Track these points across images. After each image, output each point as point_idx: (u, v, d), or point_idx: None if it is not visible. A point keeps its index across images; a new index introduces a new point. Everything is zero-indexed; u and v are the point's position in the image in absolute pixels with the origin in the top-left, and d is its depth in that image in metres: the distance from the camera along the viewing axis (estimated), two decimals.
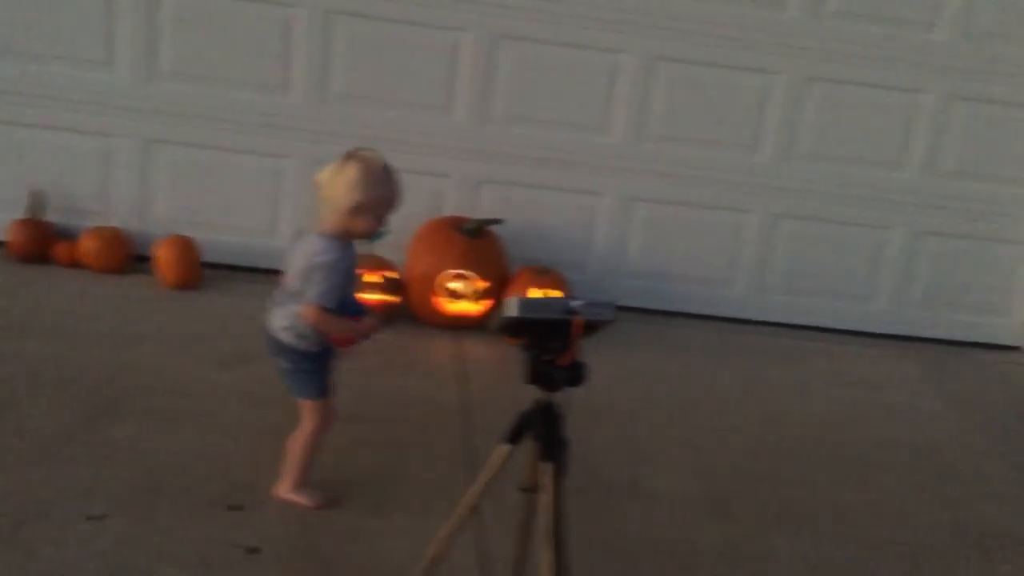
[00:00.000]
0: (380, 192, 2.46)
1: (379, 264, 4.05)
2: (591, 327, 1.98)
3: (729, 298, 4.82)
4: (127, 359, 3.46)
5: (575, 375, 1.98)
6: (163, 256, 4.12)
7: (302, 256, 2.50)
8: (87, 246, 4.17)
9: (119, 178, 4.35)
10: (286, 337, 2.58)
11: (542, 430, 2.04)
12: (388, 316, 4.03)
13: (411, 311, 4.18)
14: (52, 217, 4.29)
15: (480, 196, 4.52)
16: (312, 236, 2.50)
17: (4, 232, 4.21)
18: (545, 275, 4.12)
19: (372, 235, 2.52)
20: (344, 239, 2.50)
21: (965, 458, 3.66)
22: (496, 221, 4.28)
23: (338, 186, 2.42)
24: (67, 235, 4.27)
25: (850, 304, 4.89)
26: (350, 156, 2.45)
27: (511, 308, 1.93)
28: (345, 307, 2.53)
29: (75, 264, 4.20)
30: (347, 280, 2.54)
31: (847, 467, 3.46)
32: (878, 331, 4.90)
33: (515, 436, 2.08)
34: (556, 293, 4.05)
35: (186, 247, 4.16)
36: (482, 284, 4.04)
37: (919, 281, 4.88)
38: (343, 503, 2.76)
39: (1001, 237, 4.85)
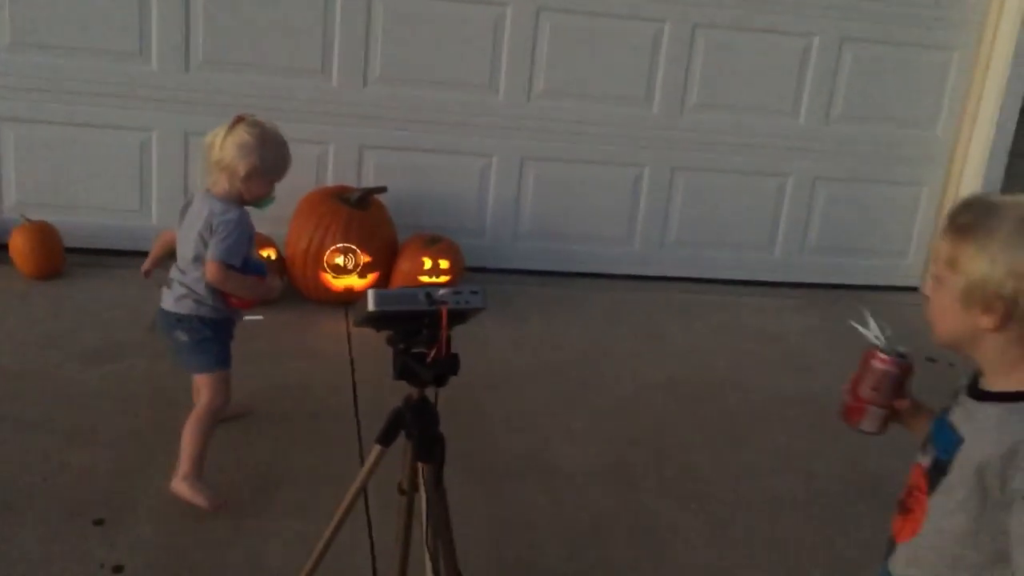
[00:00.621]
0: (275, 156, 2.52)
1: (258, 242, 3.80)
2: (459, 315, 1.81)
3: (627, 255, 4.71)
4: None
5: (446, 367, 1.81)
6: (18, 245, 3.80)
7: (198, 218, 2.49)
8: None
9: None
10: (183, 307, 2.53)
11: (415, 429, 1.87)
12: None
13: (296, 287, 3.95)
14: None
15: (364, 163, 4.30)
16: (207, 197, 2.51)
17: None
18: (435, 243, 3.94)
19: (262, 201, 2.57)
20: (239, 202, 2.52)
21: None
22: (380, 189, 4.07)
23: (231, 149, 2.45)
24: None
25: (749, 254, 4.83)
26: (241, 119, 2.49)
27: (368, 302, 1.75)
28: (246, 267, 2.53)
29: None
30: (248, 240, 2.54)
31: (747, 425, 3.40)
32: (778, 280, 4.87)
33: (387, 436, 1.92)
34: (445, 261, 3.88)
35: (43, 234, 3.84)
36: (366, 257, 3.84)
37: (816, 227, 4.85)
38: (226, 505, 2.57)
39: (896, 179, 4.84)
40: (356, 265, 3.83)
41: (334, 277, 3.83)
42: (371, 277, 3.89)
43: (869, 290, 4.89)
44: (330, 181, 4.24)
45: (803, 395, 3.68)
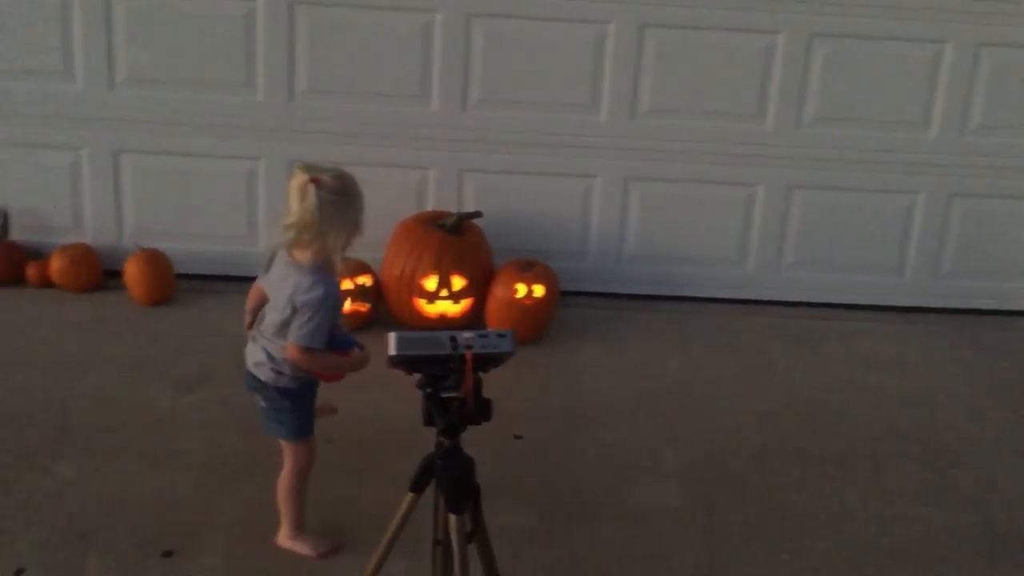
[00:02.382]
0: (360, 210, 2.28)
1: (353, 269, 3.82)
2: (488, 360, 1.72)
3: (739, 279, 4.48)
4: (78, 389, 3.30)
5: (475, 414, 1.72)
6: (132, 272, 3.96)
7: (282, 290, 2.29)
8: (56, 265, 4.02)
9: (86, 192, 4.18)
10: (261, 374, 2.38)
11: (445, 478, 1.79)
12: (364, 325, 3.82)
13: (391, 315, 3.95)
14: (23, 236, 4.16)
15: (464, 187, 4.26)
16: (291, 267, 2.28)
17: None
18: (530, 268, 3.85)
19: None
20: (329, 269, 2.29)
21: (995, 454, 3.31)
22: (475, 214, 4.02)
23: (318, 214, 2.18)
24: (38, 254, 4.13)
25: (873, 277, 4.50)
26: (316, 180, 2.19)
27: (389, 345, 1.68)
28: (332, 340, 2.32)
29: (47, 284, 4.06)
30: (335, 313, 2.33)
31: (854, 464, 3.14)
32: (907, 304, 4.52)
33: (419, 483, 1.84)
34: (540, 287, 3.78)
35: (155, 261, 3.98)
36: (460, 283, 3.79)
37: (950, 248, 4.47)
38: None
39: None
40: (450, 291, 3.78)
41: (427, 303, 3.80)
42: (465, 303, 3.83)
43: (1007, 315, 4.48)
44: (430, 206, 4.22)
45: (921, 432, 3.38)
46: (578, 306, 4.30)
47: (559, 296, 3.95)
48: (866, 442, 3.30)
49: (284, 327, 2.29)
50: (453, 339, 1.69)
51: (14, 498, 2.67)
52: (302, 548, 2.54)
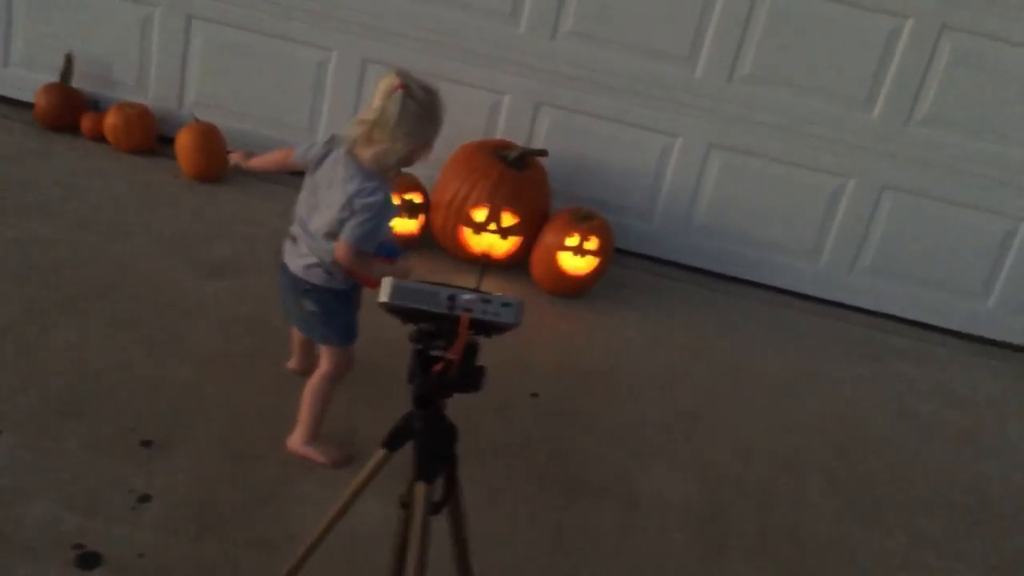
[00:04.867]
0: (438, 126, 2.24)
1: (403, 183, 3.65)
2: (485, 327, 1.53)
3: (810, 274, 4.20)
4: (107, 251, 3.21)
5: (460, 381, 1.54)
6: (183, 142, 3.84)
7: (340, 189, 2.21)
8: (111, 121, 3.92)
9: (154, 51, 4.05)
10: (313, 276, 2.31)
11: (420, 444, 1.62)
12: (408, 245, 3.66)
13: (435, 239, 3.77)
14: (85, 85, 4.06)
15: (539, 121, 4.02)
16: (352, 165, 2.21)
17: (34, 95, 4.00)
18: (586, 220, 3.62)
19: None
20: (387, 175, 2.25)
21: None
22: (541, 152, 3.79)
23: (401, 118, 2.13)
24: (97, 107, 4.03)
25: (956, 299, 4.18)
26: (406, 84, 2.13)
27: (382, 291, 1.50)
28: (380, 249, 2.28)
29: (100, 138, 3.97)
30: (388, 222, 2.28)
31: (887, 500, 2.90)
32: (986, 335, 4.19)
33: (393, 441, 1.68)
34: (593, 241, 3.56)
35: (207, 136, 3.85)
36: (511, 220, 3.59)
37: None
38: (265, 459, 2.44)
39: None
40: (499, 226, 3.59)
41: (473, 234, 3.61)
42: (513, 241, 3.64)
43: None
44: (499, 134, 4.00)
45: (973, 479, 3.11)
46: (633, 267, 4.07)
47: (612, 253, 3.73)
48: (909, 480, 3.05)
49: (338, 226, 2.22)
50: (452, 297, 1.50)
51: (15, 354, 2.59)
52: (315, 455, 2.45)
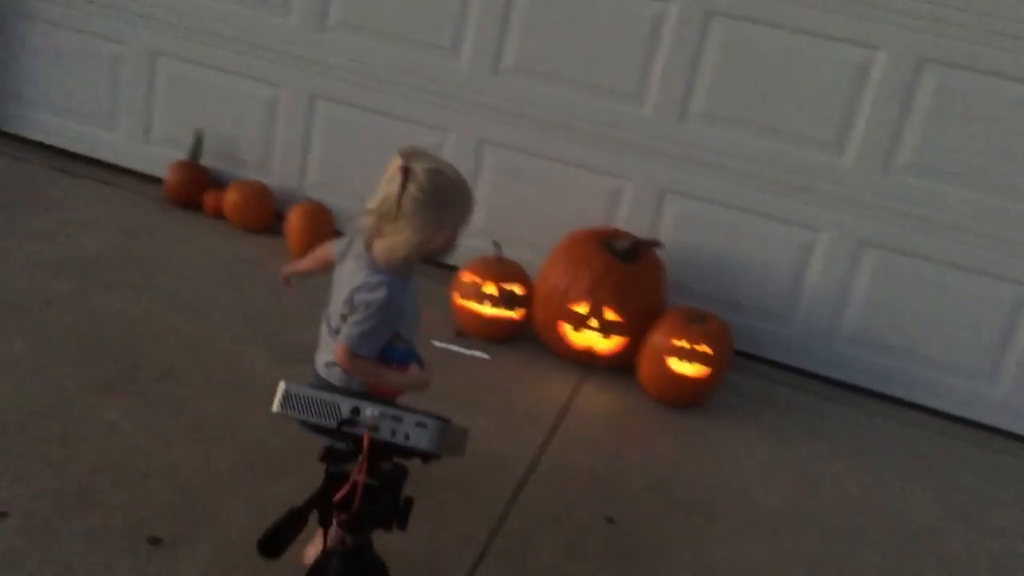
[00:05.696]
0: (456, 207, 1.98)
1: (504, 272, 3.38)
2: (396, 451, 1.20)
3: (987, 398, 3.53)
4: (184, 329, 3.10)
5: (369, 512, 1.22)
6: (292, 222, 3.76)
7: (348, 283, 1.99)
8: (230, 199, 3.92)
9: (279, 131, 4.04)
10: (332, 376, 2.06)
11: None
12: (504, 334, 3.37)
13: (536, 332, 3.46)
14: (213, 163, 4.10)
15: (664, 209, 3.66)
16: (363, 261, 1.99)
17: (165, 171, 4.08)
18: (700, 322, 3.19)
19: (441, 255, 2.05)
20: (402, 271, 1.98)
21: None
22: (655, 243, 3.42)
23: (400, 205, 1.90)
24: (220, 184, 4.06)
25: None
26: (407, 167, 1.91)
27: (275, 398, 1.22)
28: (389, 351, 2.00)
29: (219, 215, 3.97)
30: (397, 321, 2.00)
31: None
32: None
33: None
34: (704, 348, 3.12)
35: (317, 216, 3.76)
36: (614, 317, 3.22)
37: None
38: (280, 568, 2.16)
39: None
40: (600, 323, 3.23)
41: (573, 330, 3.27)
42: (617, 341, 3.26)
43: None
44: (620, 223, 3.66)
45: None
46: (764, 377, 3.57)
47: (730, 361, 3.27)
48: None
49: (341, 323, 1.99)
50: (356, 410, 1.19)
51: (59, 429, 2.49)
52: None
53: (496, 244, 3.45)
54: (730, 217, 3.59)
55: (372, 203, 1.95)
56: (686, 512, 2.72)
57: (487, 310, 3.34)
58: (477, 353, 3.34)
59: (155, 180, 4.13)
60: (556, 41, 3.60)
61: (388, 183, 1.92)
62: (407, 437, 1.19)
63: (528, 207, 3.76)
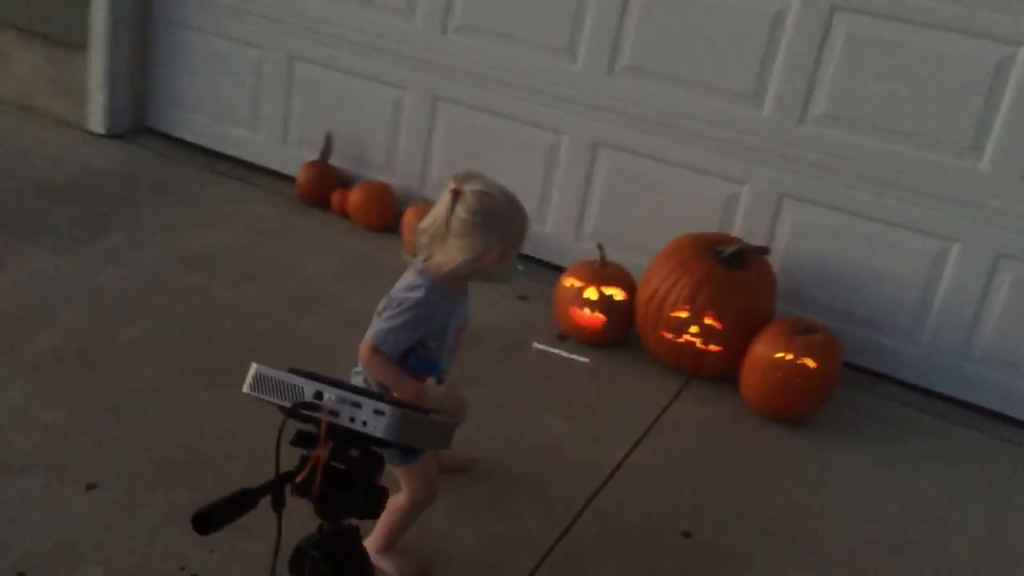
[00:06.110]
0: (505, 229, 2.04)
1: (606, 276, 3.32)
2: (356, 438, 1.20)
3: None
4: (288, 322, 3.24)
5: (344, 501, 1.23)
6: (407, 221, 3.84)
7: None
8: (354, 198, 4.05)
9: (403, 133, 4.13)
10: (361, 381, 2.16)
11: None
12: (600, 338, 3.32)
13: (638, 338, 3.37)
14: (342, 163, 4.24)
15: (781, 215, 3.49)
16: (413, 269, 2.11)
17: (297, 171, 4.26)
18: (807, 333, 3.02)
19: (502, 278, 2.17)
20: (448, 284, 2.07)
21: None
22: (762, 250, 3.27)
23: (448, 225, 2.01)
24: (347, 183, 4.20)
25: None
26: (456, 189, 2.02)
27: (247, 379, 1.24)
28: (412, 358, 2.08)
29: (345, 214, 4.11)
30: (425, 327, 2.06)
31: None
32: None
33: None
34: (809, 362, 2.95)
35: (425, 215, 3.81)
36: (714, 325, 3.10)
37: None
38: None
39: None
40: (700, 329, 3.11)
41: (674, 336, 3.17)
42: (717, 349, 3.13)
43: None
44: (736, 230, 3.52)
45: None
46: (884, 396, 3.34)
47: (839, 376, 3.08)
48: None
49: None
50: (319, 395, 1.20)
51: (149, 415, 2.66)
52: (387, 566, 2.22)
53: (600, 248, 3.39)
54: (852, 225, 3.38)
55: (424, 223, 2.06)
56: (774, 533, 2.59)
57: (587, 314, 3.29)
58: (576, 357, 3.31)
59: (290, 179, 4.32)
60: (672, 41, 3.50)
61: (439, 204, 2.03)
62: (364, 424, 1.19)
63: (641, 211, 3.68)
